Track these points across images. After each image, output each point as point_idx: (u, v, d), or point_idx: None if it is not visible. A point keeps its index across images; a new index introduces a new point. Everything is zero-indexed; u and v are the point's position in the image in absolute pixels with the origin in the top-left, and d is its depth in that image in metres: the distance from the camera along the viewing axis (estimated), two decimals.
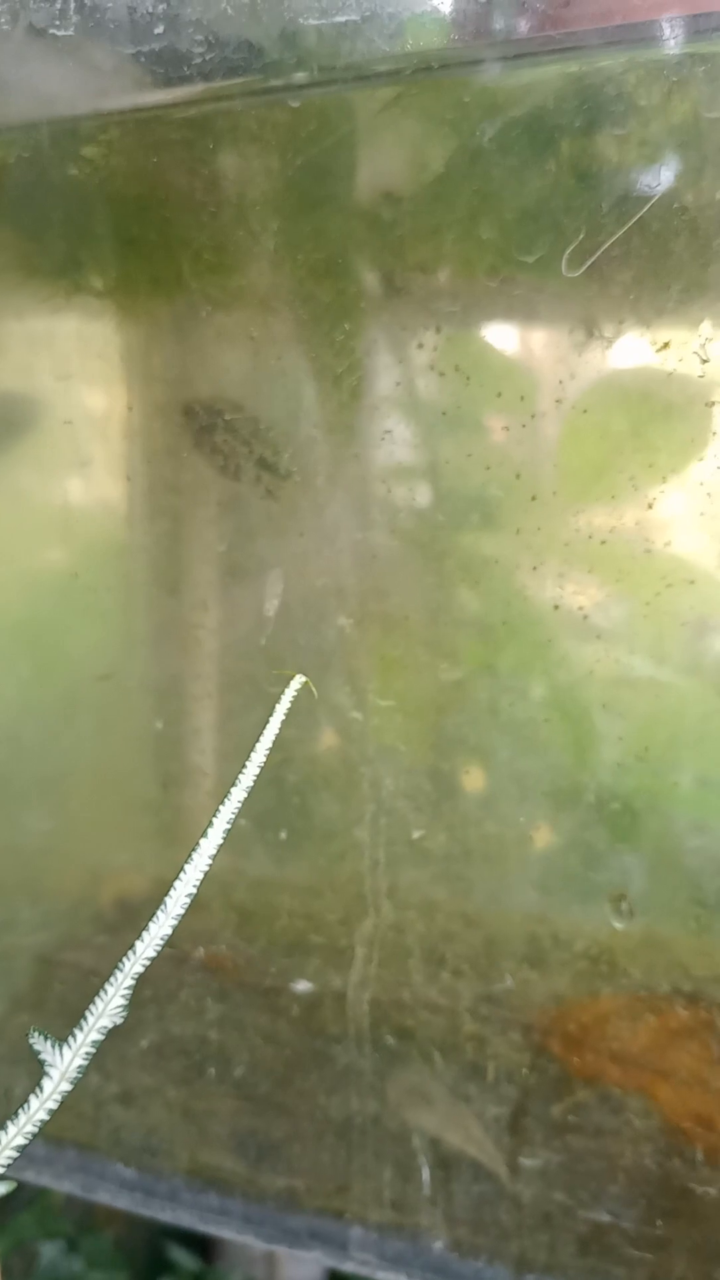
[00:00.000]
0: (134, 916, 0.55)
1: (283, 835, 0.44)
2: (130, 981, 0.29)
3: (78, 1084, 0.29)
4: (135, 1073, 0.52)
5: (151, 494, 0.43)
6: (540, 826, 0.42)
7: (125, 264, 0.43)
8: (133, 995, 0.29)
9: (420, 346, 0.39)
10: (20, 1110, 0.28)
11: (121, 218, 0.42)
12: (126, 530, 0.44)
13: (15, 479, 0.44)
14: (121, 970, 0.29)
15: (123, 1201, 0.54)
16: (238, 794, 0.32)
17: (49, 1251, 0.96)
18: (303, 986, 0.48)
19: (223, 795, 0.32)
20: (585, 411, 0.37)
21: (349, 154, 0.38)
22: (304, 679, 0.36)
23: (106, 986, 0.29)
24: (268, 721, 0.34)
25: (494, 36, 0.34)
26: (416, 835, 0.43)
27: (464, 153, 0.37)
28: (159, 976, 0.51)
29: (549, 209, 0.36)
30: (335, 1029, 0.48)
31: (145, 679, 0.45)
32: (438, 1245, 0.51)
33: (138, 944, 0.29)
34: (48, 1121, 0.28)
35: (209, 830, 0.31)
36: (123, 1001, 0.29)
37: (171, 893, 0.30)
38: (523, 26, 0.34)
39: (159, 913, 0.30)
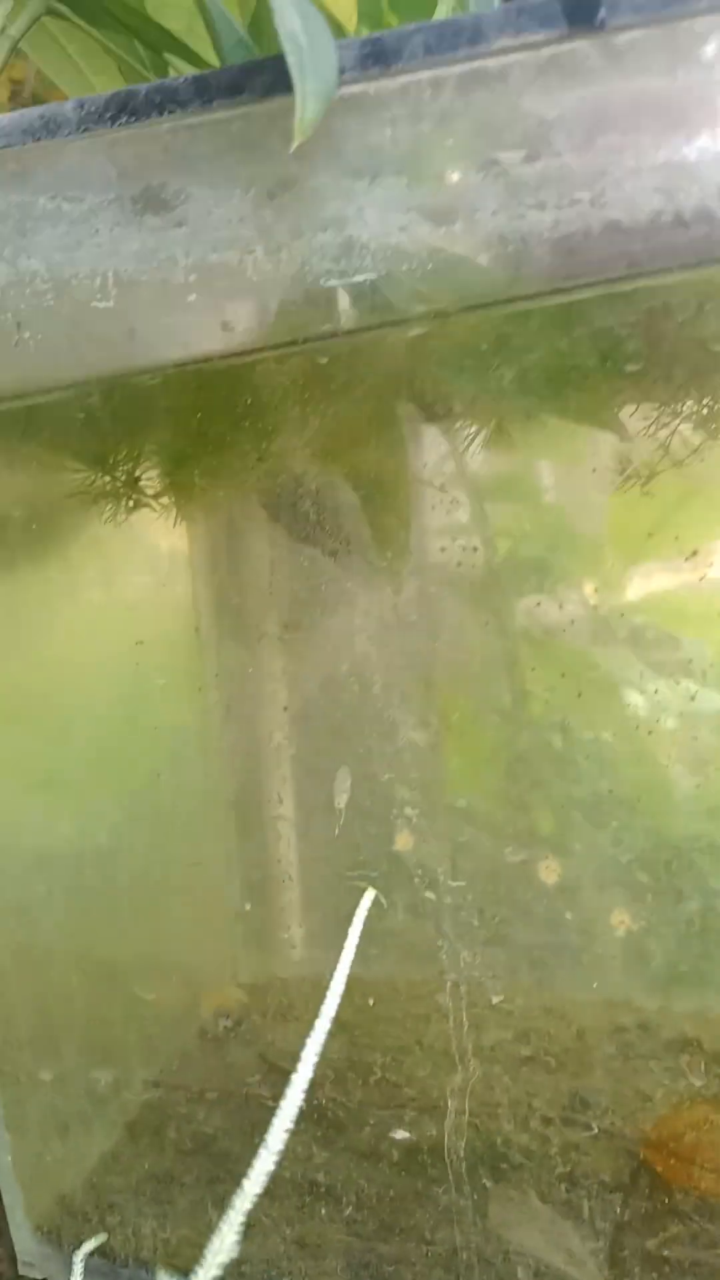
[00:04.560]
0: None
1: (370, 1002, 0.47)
2: (241, 1219, 0.32)
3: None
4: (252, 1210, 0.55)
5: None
6: None
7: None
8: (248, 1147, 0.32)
9: None
10: None
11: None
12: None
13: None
14: (234, 1210, 0.32)
15: None
16: (324, 1019, 0.34)
17: None
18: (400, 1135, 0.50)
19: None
20: None
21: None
22: (374, 893, 0.39)
23: (222, 1225, 0.32)
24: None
25: None
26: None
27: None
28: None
29: None
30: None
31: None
32: None
33: (246, 1182, 0.32)
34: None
35: (300, 1065, 0.33)
36: (235, 1239, 0.32)
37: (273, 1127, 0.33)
38: None
39: (261, 1151, 0.32)
